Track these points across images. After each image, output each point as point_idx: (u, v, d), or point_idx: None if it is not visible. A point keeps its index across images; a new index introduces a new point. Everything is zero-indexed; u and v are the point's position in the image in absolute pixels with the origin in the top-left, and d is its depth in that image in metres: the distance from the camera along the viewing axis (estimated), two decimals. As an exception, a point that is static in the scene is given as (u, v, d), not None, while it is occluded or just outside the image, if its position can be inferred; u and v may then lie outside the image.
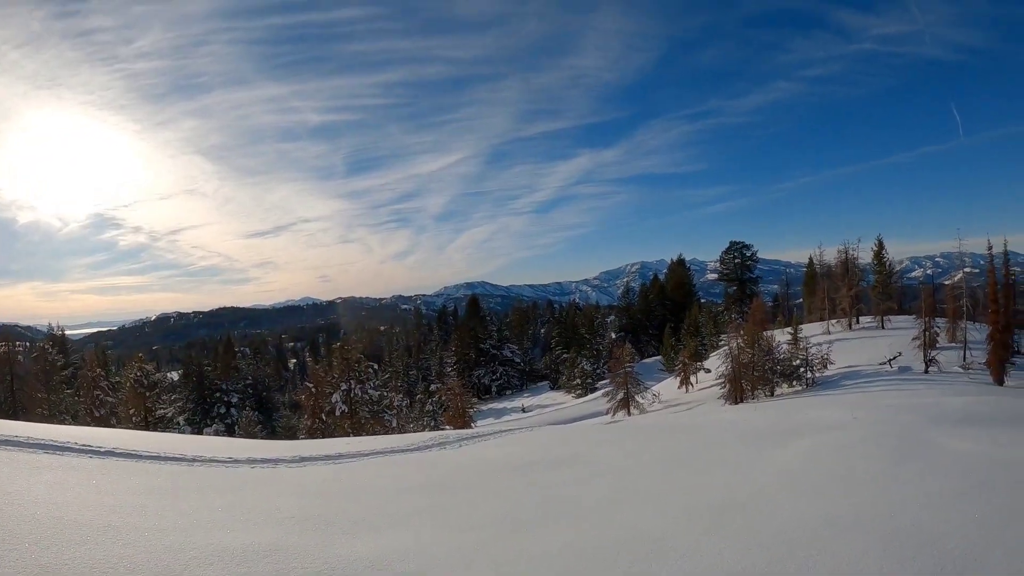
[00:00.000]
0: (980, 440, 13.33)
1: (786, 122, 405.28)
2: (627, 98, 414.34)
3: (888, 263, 55.98)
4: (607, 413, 49.34)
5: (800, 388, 39.76)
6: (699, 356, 59.04)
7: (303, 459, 16.08)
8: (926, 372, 37.86)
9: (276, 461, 15.33)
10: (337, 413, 43.50)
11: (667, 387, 56.77)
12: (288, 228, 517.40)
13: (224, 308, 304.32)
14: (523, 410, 75.49)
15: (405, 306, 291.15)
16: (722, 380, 42.04)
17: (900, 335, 45.26)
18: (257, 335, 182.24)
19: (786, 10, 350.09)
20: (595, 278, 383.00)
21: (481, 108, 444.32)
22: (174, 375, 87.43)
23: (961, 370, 38.02)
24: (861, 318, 57.00)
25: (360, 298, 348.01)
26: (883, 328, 52.73)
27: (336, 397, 43.75)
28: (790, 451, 13.62)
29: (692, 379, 54.79)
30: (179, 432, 46.60)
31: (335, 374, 45.25)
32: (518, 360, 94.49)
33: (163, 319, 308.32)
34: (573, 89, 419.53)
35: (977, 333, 41.00)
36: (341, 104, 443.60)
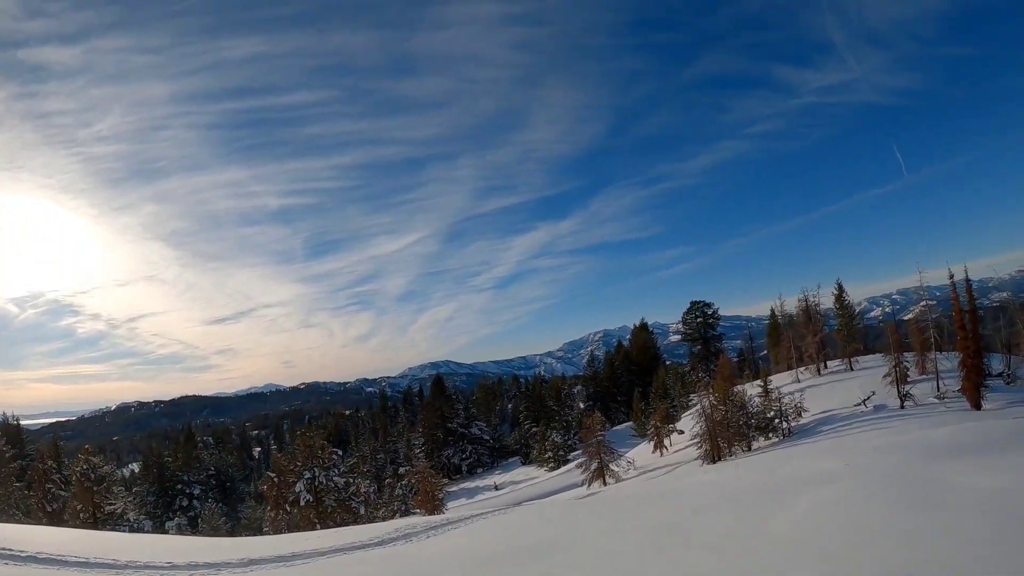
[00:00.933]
0: (978, 471, 12.51)
1: (736, 179, 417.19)
2: (580, 169, 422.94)
3: (849, 305, 55.00)
4: (583, 485, 46.91)
5: (777, 439, 37.90)
6: (671, 418, 56.89)
7: (252, 562, 14.17)
8: (902, 407, 36.32)
9: (220, 566, 13.43)
10: (302, 503, 40.30)
11: (641, 452, 54.37)
12: (249, 314, 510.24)
13: (186, 397, 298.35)
14: (496, 488, 72.42)
15: (370, 389, 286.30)
16: (697, 440, 39.96)
17: (870, 375, 44.15)
18: (220, 424, 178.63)
19: (727, 73, 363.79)
20: (559, 349, 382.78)
21: (437, 187, 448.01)
22: (135, 467, 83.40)
23: (937, 400, 36.60)
24: (829, 362, 55.77)
25: (324, 383, 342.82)
26: (852, 370, 51.31)
27: (300, 486, 40.58)
28: (788, 513, 11.68)
29: (666, 442, 52.50)
30: (132, 529, 44.21)
31: (298, 462, 42.19)
32: (487, 437, 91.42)
33: (123, 408, 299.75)
34: (526, 163, 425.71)
35: (947, 362, 39.81)
36: (299, 187, 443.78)
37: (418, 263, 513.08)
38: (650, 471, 44.41)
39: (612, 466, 46.32)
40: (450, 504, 65.05)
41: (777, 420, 38.48)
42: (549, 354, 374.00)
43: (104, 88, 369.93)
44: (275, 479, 42.66)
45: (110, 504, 44.53)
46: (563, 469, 66.44)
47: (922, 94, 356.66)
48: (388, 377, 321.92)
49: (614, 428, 79.41)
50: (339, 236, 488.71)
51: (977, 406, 32.48)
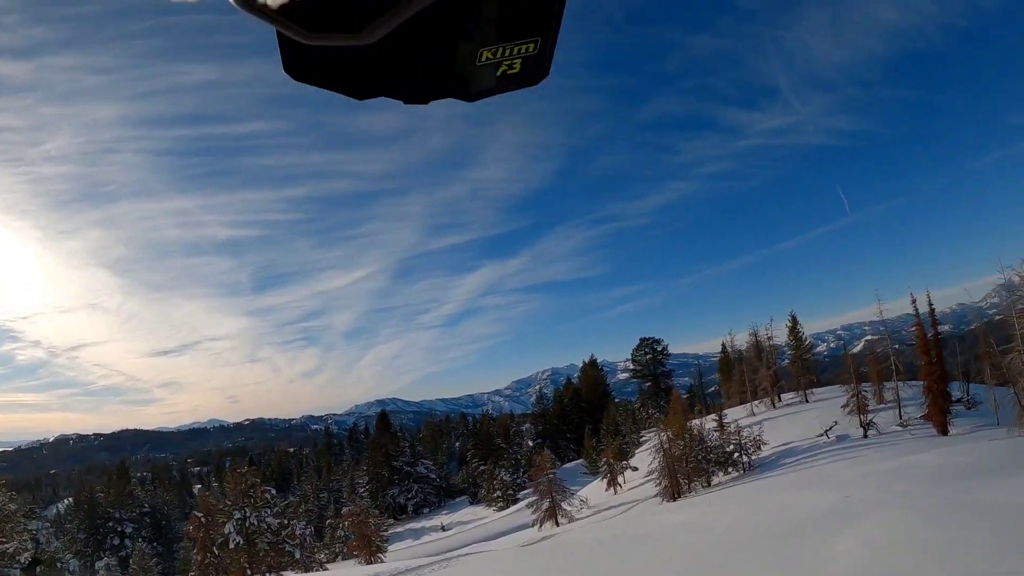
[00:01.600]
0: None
1: (684, 219, 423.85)
2: (530, 207, 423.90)
3: (803, 337, 53.68)
4: (533, 525, 43.88)
5: (737, 474, 35.74)
6: (624, 455, 54.42)
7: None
8: (865, 436, 34.85)
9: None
10: (231, 545, 36.26)
11: (594, 491, 51.66)
12: (194, 347, 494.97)
13: (127, 430, 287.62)
14: (443, 528, 68.93)
15: (316, 426, 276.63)
16: (654, 477, 37.61)
17: (826, 406, 42.84)
18: (160, 459, 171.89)
19: (677, 115, 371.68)
20: (507, 388, 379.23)
21: (387, 223, 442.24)
22: (70, 501, 77.98)
23: (900, 428, 35.23)
24: (783, 395, 54.07)
25: (269, 419, 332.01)
26: (807, 402, 49.80)
27: (229, 527, 36.54)
28: (827, 562, 9.24)
29: (620, 479, 49.93)
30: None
31: (228, 501, 38.17)
32: (434, 476, 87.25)
33: (62, 441, 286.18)
34: (477, 201, 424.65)
35: (908, 390, 38.56)
36: (248, 219, 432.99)
37: (366, 299, 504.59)
38: (604, 510, 41.84)
39: (564, 505, 43.47)
40: (395, 546, 61.56)
41: (736, 454, 36.34)
42: (497, 392, 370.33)
43: (55, 107, 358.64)
44: (202, 519, 38.54)
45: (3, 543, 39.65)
46: (512, 509, 63.04)
47: (865, 135, 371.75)
48: (334, 414, 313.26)
49: (564, 466, 76.86)
50: (287, 270, 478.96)
51: (944, 431, 31.25)
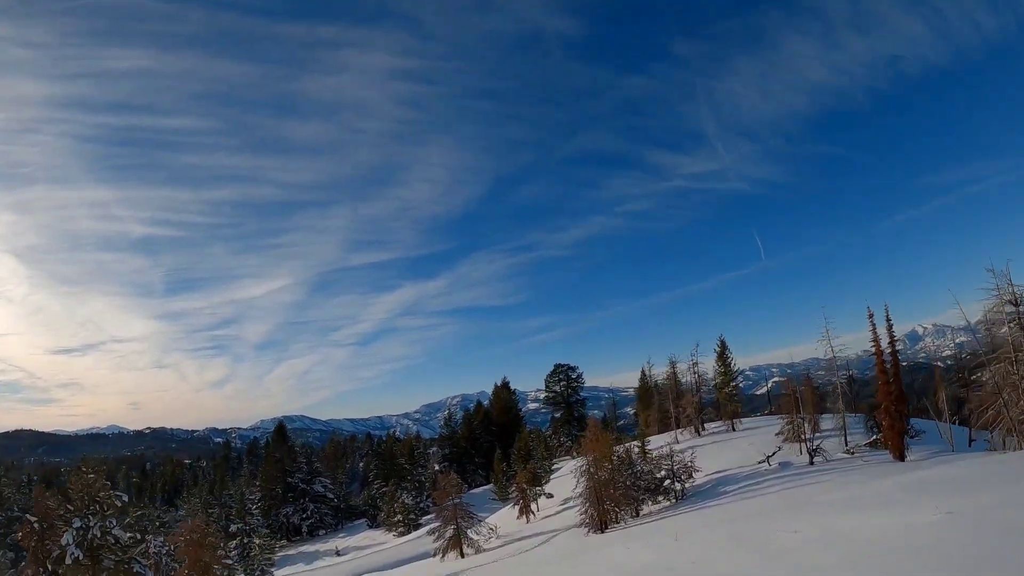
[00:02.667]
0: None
1: (605, 254, 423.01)
2: (452, 231, 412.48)
3: (731, 364, 50.33)
4: (435, 555, 38.41)
5: (668, 503, 31.47)
6: (537, 480, 49.50)
7: None
8: (811, 463, 31.23)
9: None
10: (68, 560, 28.91)
11: (504, 518, 46.58)
12: (99, 347, 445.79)
13: (22, 430, 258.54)
14: (337, 553, 62.22)
15: (219, 439, 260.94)
16: (575, 503, 32.97)
17: (758, 434, 40.24)
18: (54, 464, 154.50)
19: (605, 151, 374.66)
20: (416, 411, 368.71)
21: (308, 234, 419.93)
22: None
23: (847, 455, 32.07)
24: (707, 424, 50.23)
25: (172, 429, 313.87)
26: (735, 430, 46.29)
27: (68, 538, 29.21)
28: None
29: (533, 507, 44.94)
30: None
31: (69, 506, 30.80)
32: (331, 496, 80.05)
33: None
34: (400, 220, 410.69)
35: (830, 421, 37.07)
36: (167, 217, 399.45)
37: (281, 311, 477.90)
38: (517, 540, 36.83)
39: (471, 533, 38.21)
40: (286, 570, 56.51)
41: (668, 481, 32.00)
42: (406, 415, 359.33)
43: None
44: (36, 525, 31.14)
45: None
46: (414, 535, 56.99)
47: (783, 185, 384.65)
48: (239, 428, 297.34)
49: (472, 491, 71.94)
50: (202, 274, 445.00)
51: (901, 457, 28.03)
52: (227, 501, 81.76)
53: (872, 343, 29.07)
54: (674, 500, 31.22)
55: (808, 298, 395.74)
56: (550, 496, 46.11)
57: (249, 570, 49.53)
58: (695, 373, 50.33)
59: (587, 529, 30.70)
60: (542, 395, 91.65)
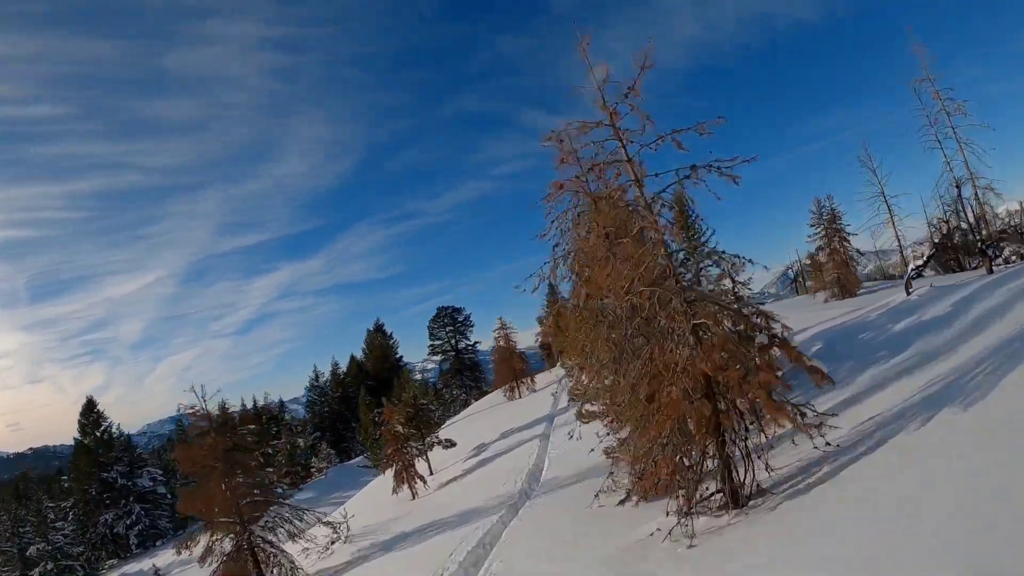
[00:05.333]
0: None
1: (483, 218, 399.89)
2: (329, 205, 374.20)
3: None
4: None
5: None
6: (429, 427, 29.73)
7: None
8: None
9: None
10: None
11: (374, 497, 27.23)
12: None
13: None
14: (156, 574, 40.68)
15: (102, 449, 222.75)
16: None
17: None
18: None
19: (480, 114, 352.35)
20: (303, 396, 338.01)
21: (178, 221, 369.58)
22: None
23: None
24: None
25: (55, 446, 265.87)
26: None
27: None
28: None
29: (421, 476, 25.12)
30: None
31: None
32: (164, 491, 56.72)
33: None
34: (274, 198, 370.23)
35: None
36: (26, 218, 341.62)
37: (155, 306, 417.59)
38: (398, 545, 17.19)
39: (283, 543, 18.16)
40: None
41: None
42: (295, 400, 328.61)
43: None
44: None
45: None
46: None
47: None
48: (130, 435, 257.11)
49: (347, 463, 55.55)
50: (70, 275, 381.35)
51: None
52: (24, 516, 56.69)
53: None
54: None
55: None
56: (450, 445, 27.23)
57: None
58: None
59: (635, 498, 11.20)
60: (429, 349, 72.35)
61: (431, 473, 26.81)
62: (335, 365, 69.64)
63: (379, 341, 67.21)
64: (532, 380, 48.04)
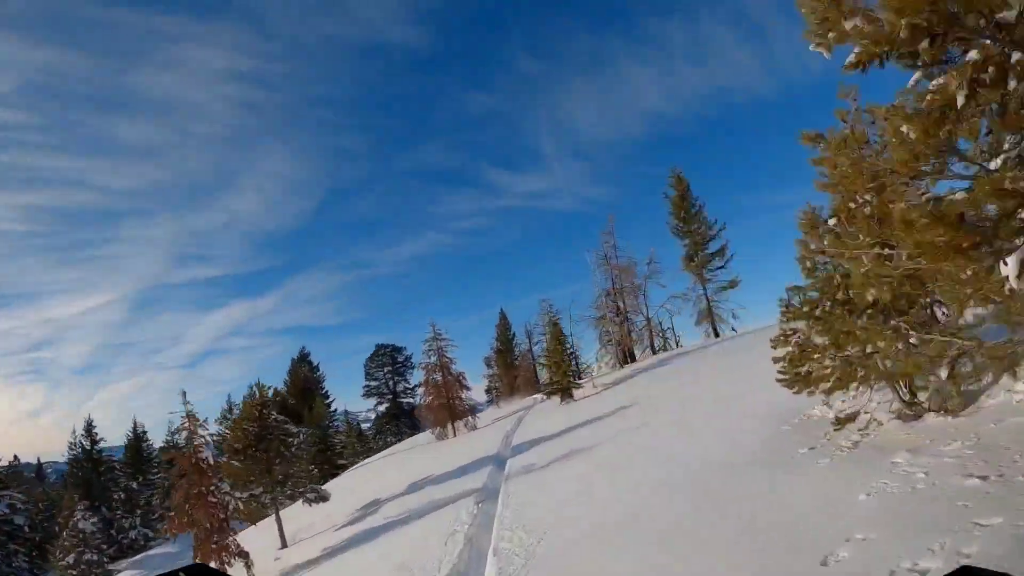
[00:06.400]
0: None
1: (435, 271, 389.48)
2: (284, 245, 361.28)
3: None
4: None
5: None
6: (280, 467, 22.22)
7: None
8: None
9: None
10: None
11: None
12: None
13: None
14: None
15: (32, 475, 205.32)
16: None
17: None
18: None
19: (441, 167, 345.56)
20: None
21: (131, 247, 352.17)
22: None
23: None
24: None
25: None
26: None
27: None
28: None
29: (266, 546, 17.97)
30: None
31: None
32: (22, 521, 47.03)
33: None
34: (230, 233, 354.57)
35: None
36: None
37: (101, 331, 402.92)
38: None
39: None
40: None
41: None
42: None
43: None
44: None
45: None
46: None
47: (611, 205, 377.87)
48: (55, 462, 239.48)
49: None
50: (13, 291, 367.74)
51: None
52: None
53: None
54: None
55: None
56: (320, 500, 20.23)
57: None
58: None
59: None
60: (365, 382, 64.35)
61: (282, 544, 19.26)
62: (252, 395, 61.12)
63: (301, 370, 59.04)
64: (473, 417, 39.87)
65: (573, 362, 47.93)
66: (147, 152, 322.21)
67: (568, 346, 42.93)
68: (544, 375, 44.33)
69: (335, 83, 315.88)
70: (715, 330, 42.45)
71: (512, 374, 55.53)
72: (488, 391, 62.17)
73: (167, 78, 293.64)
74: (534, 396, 47.24)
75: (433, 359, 40.52)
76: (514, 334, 59.24)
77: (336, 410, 61.74)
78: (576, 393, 33.50)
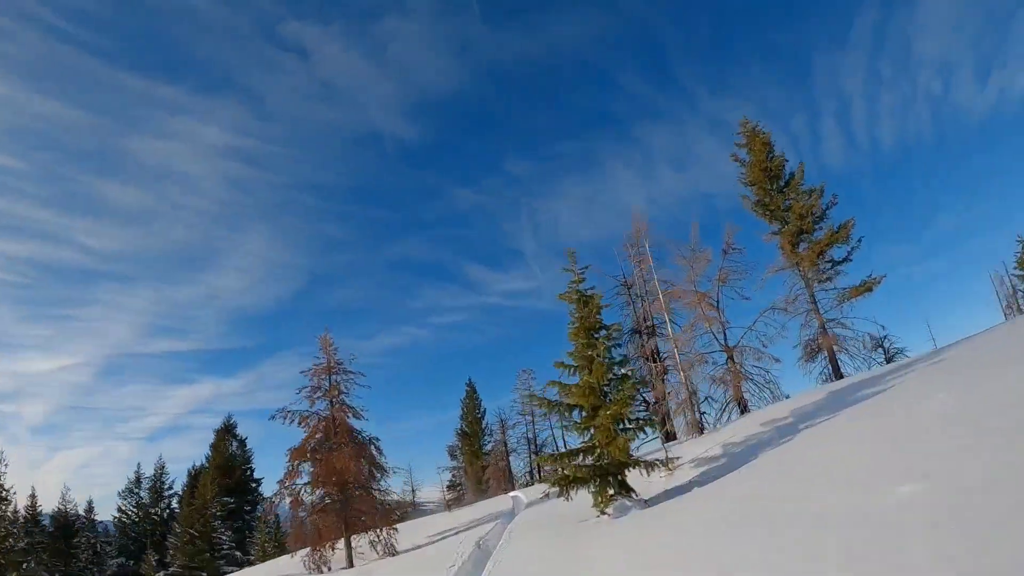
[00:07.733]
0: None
1: (412, 364, 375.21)
2: (260, 327, 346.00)
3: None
4: None
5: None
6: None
7: None
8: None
9: None
10: None
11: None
12: None
13: None
14: None
15: None
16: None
17: None
18: None
19: (424, 261, 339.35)
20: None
21: (106, 310, 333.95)
22: None
23: None
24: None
25: None
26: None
27: None
28: None
29: None
30: None
31: None
32: None
33: None
34: (207, 309, 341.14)
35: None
36: None
37: (65, 393, 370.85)
38: None
39: None
40: None
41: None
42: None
43: None
44: None
45: None
46: None
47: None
48: None
49: None
50: None
51: None
52: None
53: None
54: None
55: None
56: None
57: None
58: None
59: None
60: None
61: None
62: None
63: (222, 447, 48.37)
64: (391, 529, 23.02)
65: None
66: (134, 217, 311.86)
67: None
68: (539, 461, 33.14)
69: (327, 168, 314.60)
70: (835, 367, 26.66)
71: (480, 465, 46.19)
72: (451, 487, 51.33)
73: (162, 146, 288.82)
74: (512, 494, 35.39)
75: (319, 382, 24.45)
76: (484, 410, 50.44)
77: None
78: (640, 480, 16.48)
